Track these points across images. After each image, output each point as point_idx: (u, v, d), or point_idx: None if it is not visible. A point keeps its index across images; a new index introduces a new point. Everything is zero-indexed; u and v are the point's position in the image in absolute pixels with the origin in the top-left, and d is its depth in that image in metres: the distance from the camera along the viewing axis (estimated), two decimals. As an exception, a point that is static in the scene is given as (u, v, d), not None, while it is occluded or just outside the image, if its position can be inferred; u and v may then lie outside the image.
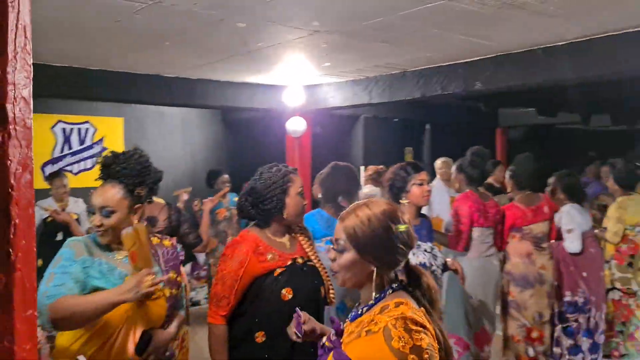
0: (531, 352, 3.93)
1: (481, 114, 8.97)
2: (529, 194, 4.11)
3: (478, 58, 5.03)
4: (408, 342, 1.38)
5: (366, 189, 5.17)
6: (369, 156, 7.68)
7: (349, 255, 1.62)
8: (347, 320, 1.65)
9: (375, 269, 1.59)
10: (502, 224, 4.07)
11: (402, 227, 1.59)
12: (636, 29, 4.01)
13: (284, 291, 2.35)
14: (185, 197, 5.51)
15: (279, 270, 2.38)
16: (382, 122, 8.33)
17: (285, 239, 2.52)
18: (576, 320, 4.10)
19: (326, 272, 2.50)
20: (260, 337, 2.34)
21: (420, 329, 1.42)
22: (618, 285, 4.80)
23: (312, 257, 2.51)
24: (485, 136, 9.63)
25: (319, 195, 3.57)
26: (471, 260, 3.87)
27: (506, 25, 3.93)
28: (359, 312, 1.62)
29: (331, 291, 2.51)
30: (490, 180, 5.84)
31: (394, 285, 1.60)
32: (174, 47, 4.55)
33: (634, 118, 8.23)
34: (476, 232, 3.92)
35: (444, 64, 5.37)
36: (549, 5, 3.45)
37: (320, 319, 2.42)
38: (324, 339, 1.67)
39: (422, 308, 1.55)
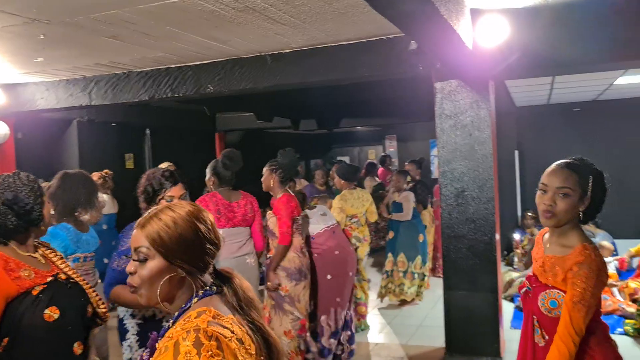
0: (302, 345, 4.08)
1: (202, 118, 9.06)
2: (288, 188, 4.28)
3: (210, 61, 5.05)
4: (194, 358, 1.28)
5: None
6: (86, 163, 7.03)
7: (155, 264, 1.44)
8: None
9: (185, 275, 1.46)
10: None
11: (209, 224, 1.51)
12: (348, 42, 4.56)
13: (47, 311, 1.99)
14: None
15: (38, 289, 2.02)
16: (99, 126, 7.71)
17: (38, 255, 2.17)
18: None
19: (92, 289, 2.22)
20: None
21: (214, 343, 1.32)
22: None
23: (71, 273, 2.19)
24: (206, 140, 9.76)
25: (52, 212, 3.10)
26: (222, 262, 3.86)
27: (242, 30, 4.03)
28: (167, 326, 1.45)
29: (102, 307, 2.22)
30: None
31: (201, 292, 1.48)
32: None
33: (335, 122, 9.33)
34: (224, 234, 3.93)
35: (174, 66, 5.25)
36: (285, 13, 3.66)
37: (88, 339, 2.15)
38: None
39: (232, 314, 1.46)
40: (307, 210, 4.45)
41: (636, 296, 5.59)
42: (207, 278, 1.51)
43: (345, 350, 4.45)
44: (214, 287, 1.51)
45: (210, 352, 1.29)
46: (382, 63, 4.55)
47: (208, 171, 4.20)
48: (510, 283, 6.56)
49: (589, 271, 1.85)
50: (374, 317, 5.95)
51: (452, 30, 3.25)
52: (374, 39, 4.51)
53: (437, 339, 4.89)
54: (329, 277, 4.23)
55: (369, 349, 5.03)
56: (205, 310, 1.40)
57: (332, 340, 4.28)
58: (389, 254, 6.42)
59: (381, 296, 6.37)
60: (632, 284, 6.07)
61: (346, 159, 13.08)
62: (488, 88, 4.45)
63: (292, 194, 4.24)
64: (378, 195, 8.08)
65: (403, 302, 6.35)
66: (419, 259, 6.35)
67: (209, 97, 5.77)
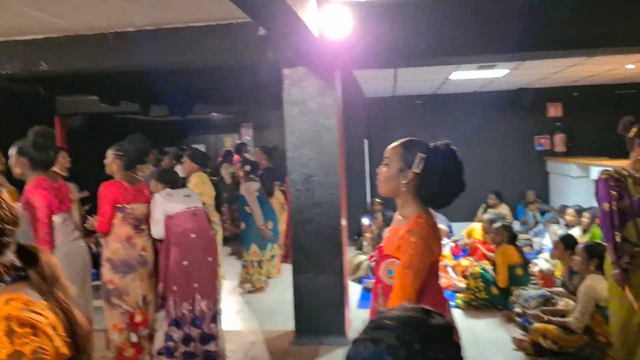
0: (134, 337, 3.86)
1: (39, 100, 8.29)
2: (132, 174, 4.04)
3: (43, 36, 4.63)
4: (6, 347, 1.19)
5: None
6: None
7: None
8: None
9: None
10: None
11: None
12: (196, 24, 4.44)
13: None
14: None
15: None
16: None
17: None
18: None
19: None
20: None
21: (29, 330, 1.24)
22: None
23: None
24: (43, 124, 8.96)
25: None
26: (59, 248, 3.57)
27: (82, 4, 3.74)
28: None
29: None
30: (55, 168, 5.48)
31: (8, 278, 1.35)
32: None
33: (188, 109, 9.08)
34: (59, 219, 3.64)
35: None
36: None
37: None
38: None
39: (43, 300, 1.35)
40: (168, 189, 4.20)
41: (466, 273, 6.15)
42: (11, 258, 1.38)
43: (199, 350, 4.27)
44: (22, 272, 1.38)
45: (25, 340, 1.19)
46: (231, 48, 4.51)
47: (14, 154, 3.73)
48: (358, 265, 6.88)
49: (418, 238, 1.94)
50: (226, 305, 5.91)
51: (297, 17, 3.30)
52: (223, 22, 4.44)
53: (288, 323, 4.98)
54: (185, 263, 4.00)
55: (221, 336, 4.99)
56: (14, 297, 1.29)
57: (193, 328, 4.11)
58: (243, 245, 6.44)
59: (242, 285, 6.39)
60: (464, 262, 6.69)
61: (202, 147, 12.82)
62: (334, 77, 4.60)
63: (134, 179, 4.03)
64: (236, 182, 8.02)
65: (256, 290, 6.40)
66: (269, 246, 6.45)
67: (46, 77, 5.31)
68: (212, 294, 4.21)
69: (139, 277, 3.86)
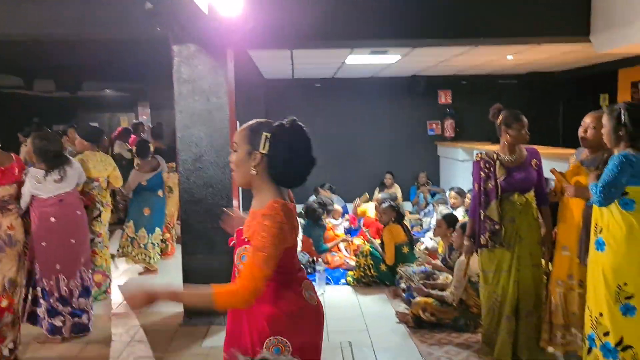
0: None
1: None
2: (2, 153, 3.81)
3: None
4: None
5: None
6: None
7: None
8: None
9: None
10: None
11: None
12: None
13: None
14: None
15: None
16: None
17: None
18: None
19: None
20: None
21: None
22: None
23: None
24: None
25: None
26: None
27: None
28: None
29: None
30: None
31: None
32: None
33: (77, 84, 8.61)
34: None
35: None
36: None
37: None
38: None
39: None
40: (34, 169, 4.06)
41: (358, 251, 6.37)
42: None
43: (68, 323, 4.27)
44: None
45: None
46: (118, 21, 4.33)
47: None
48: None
49: (272, 222, 1.92)
50: (115, 287, 5.73)
51: (181, -9, 3.23)
52: (108, -7, 4.25)
53: (178, 305, 4.92)
54: (43, 244, 4.07)
55: (108, 320, 4.84)
56: None
57: (59, 305, 4.20)
58: (130, 222, 6.27)
59: (119, 255, 6.29)
60: (357, 241, 6.91)
61: (96, 125, 12.22)
62: (226, 55, 4.55)
63: None
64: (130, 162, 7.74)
65: (147, 271, 6.26)
66: (157, 230, 6.32)
67: None
68: (77, 272, 4.33)
69: (7, 257, 3.66)
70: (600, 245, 3.02)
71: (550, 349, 3.86)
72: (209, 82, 4.50)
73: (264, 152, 1.97)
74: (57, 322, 4.21)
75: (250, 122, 2.05)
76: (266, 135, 1.96)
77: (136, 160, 6.52)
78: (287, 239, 1.97)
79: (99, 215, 5.26)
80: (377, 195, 8.71)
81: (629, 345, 2.93)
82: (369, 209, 7.91)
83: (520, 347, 3.76)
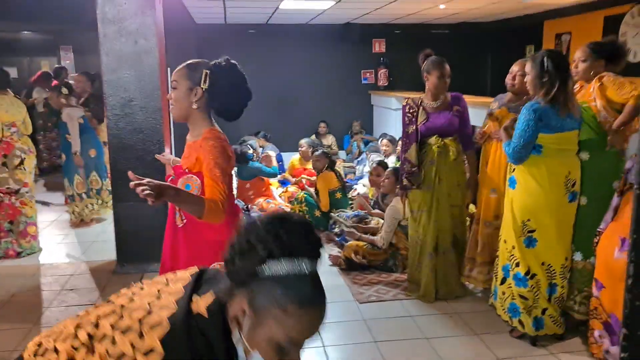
0: None
1: None
2: None
3: None
4: None
5: None
6: None
7: None
8: None
9: None
10: None
11: None
12: None
13: None
14: None
15: None
16: None
17: None
18: None
19: None
20: None
21: None
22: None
23: None
24: None
25: None
26: None
27: None
28: None
29: None
30: None
31: None
32: None
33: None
34: None
35: None
36: None
37: None
38: None
39: None
40: None
41: (292, 199, 6.44)
42: None
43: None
44: None
45: None
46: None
47: None
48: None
49: (215, 141, 2.11)
50: (46, 238, 5.56)
51: None
52: None
53: (110, 253, 4.85)
54: None
55: (37, 270, 4.73)
56: None
57: None
58: (66, 178, 6.02)
59: (73, 223, 6.03)
60: (291, 189, 6.98)
61: (13, 70, 11.46)
62: (154, -5, 4.36)
63: None
64: (53, 110, 7.34)
65: (82, 222, 6.10)
66: (93, 174, 6.10)
67: None
68: None
69: None
70: (512, 182, 3.28)
71: (471, 285, 4.13)
72: (136, 23, 4.32)
73: (204, 87, 2.13)
74: None
75: (188, 62, 2.20)
76: (206, 72, 2.13)
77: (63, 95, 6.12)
78: (231, 157, 2.14)
79: (21, 163, 5.03)
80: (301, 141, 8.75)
81: (534, 273, 3.22)
82: (295, 159, 7.90)
83: (439, 282, 4.01)
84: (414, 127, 3.83)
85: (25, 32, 10.27)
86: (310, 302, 1.07)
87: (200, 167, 2.10)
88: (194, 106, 2.16)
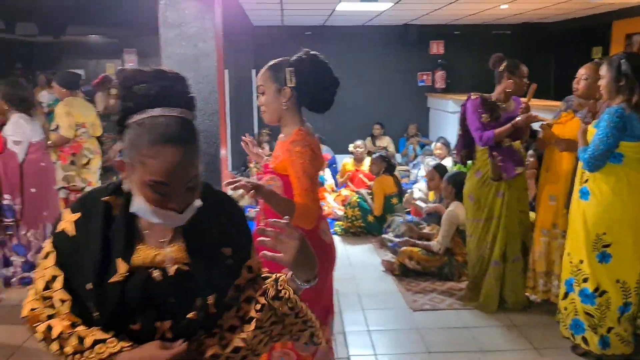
0: None
1: None
2: None
3: None
4: None
5: None
6: None
7: None
8: None
9: None
10: None
11: None
12: None
13: None
14: None
15: None
16: None
17: None
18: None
19: None
20: None
21: None
22: (64, 184, 5.07)
23: None
24: None
25: None
26: None
27: None
28: None
29: None
30: None
31: None
32: None
33: (61, 28, 8.37)
34: None
35: None
36: None
37: None
38: None
39: None
40: (20, 114, 4.02)
41: (345, 202, 6.40)
42: None
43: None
44: None
45: None
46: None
47: None
48: (242, 195, 6.91)
49: (303, 147, 2.05)
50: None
51: None
52: None
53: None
54: (33, 190, 3.97)
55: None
56: None
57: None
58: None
59: None
60: (344, 192, 6.94)
61: (81, 72, 11.94)
62: (213, -1, 4.41)
63: None
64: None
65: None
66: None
67: None
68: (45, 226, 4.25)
69: None
70: (584, 194, 3.06)
71: (533, 297, 3.96)
72: (196, 27, 4.37)
73: (292, 85, 2.07)
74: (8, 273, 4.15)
75: (268, 64, 2.15)
76: (290, 70, 2.08)
77: None
78: (318, 159, 2.11)
79: (88, 163, 5.20)
80: (369, 144, 8.68)
81: (605, 290, 3.02)
82: (348, 163, 7.84)
83: (507, 292, 3.85)
84: (492, 119, 3.69)
85: (92, 35, 10.67)
86: (161, 141, 1.14)
87: (285, 169, 2.08)
88: (284, 107, 2.12)
